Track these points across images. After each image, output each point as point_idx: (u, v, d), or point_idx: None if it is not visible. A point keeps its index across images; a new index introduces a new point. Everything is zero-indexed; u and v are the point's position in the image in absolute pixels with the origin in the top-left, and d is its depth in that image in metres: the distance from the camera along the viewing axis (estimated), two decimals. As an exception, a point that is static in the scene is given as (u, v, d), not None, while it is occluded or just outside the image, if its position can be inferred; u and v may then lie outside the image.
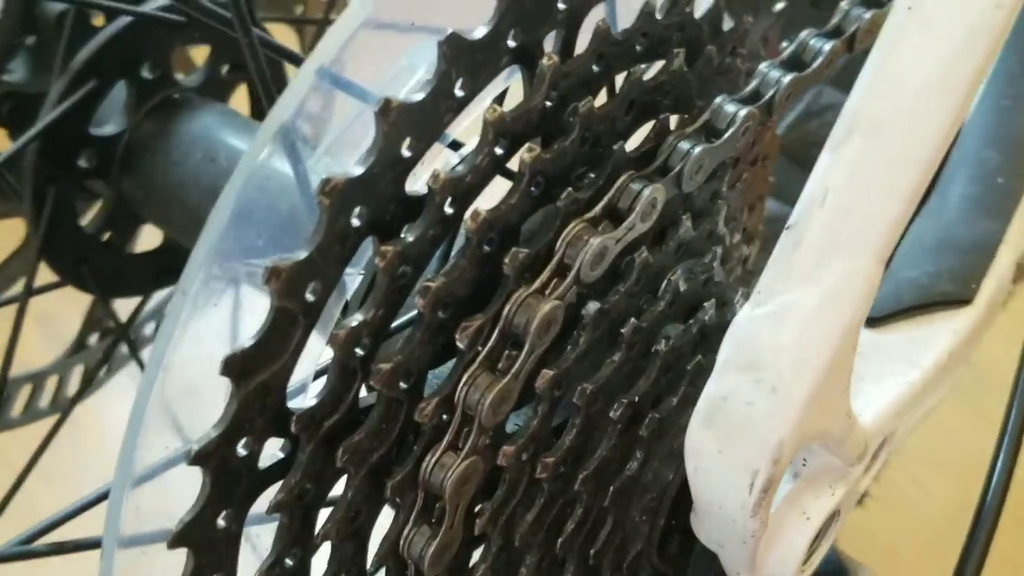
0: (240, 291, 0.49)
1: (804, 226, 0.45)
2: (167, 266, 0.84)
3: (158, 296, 0.95)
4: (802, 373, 0.45)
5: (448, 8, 0.48)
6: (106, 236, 0.80)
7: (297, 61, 0.44)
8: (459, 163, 0.47)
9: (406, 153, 0.45)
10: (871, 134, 0.44)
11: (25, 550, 0.45)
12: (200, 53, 0.83)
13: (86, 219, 0.80)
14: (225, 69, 0.80)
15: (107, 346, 0.93)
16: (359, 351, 0.46)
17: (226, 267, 0.45)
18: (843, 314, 0.45)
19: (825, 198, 0.45)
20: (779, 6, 0.66)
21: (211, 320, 0.45)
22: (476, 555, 0.54)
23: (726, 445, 0.47)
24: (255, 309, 0.44)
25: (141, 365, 0.93)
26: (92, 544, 0.46)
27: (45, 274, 0.80)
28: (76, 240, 0.78)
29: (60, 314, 0.86)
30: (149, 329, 1.01)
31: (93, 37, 0.73)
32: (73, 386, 0.95)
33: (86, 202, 0.79)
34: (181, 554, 0.46)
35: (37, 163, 0.72)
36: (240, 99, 0.84)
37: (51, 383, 0.94)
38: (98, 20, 0.76)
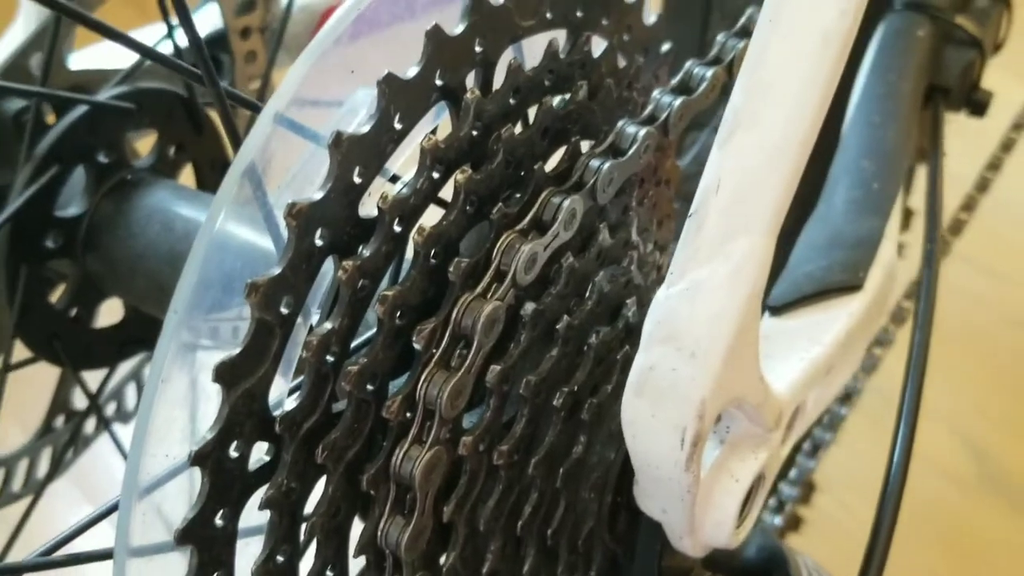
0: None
1: (704, 213, 0.52)
2: (131, 338, 0.90)
3: (122, 371, 1.00)
4: (716, 338, 0.52)
5: (380, 59, 0.55)
6: (74, 312, 0.85)
7: (256, 109, 0.51)
8: (403, 187, 0.54)
9: (357, 180, 0.51)
10: (750, 128, 0.51)
11: (44, 561, 0.50)
12: (145, 144, 0.90)
13: (54, 297, 0.85)
14: (172, 151, 0.87)
15: (77, 419, 0.98)
16: (330, 357, 0.52)
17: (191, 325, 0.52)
18: (745, 284, 0.52)
19: (719, 187, 0.52)
20: (665, 48, 0.74)
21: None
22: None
23: (657, 409, 0.54)
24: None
25: (113, 436, 0.98)
26: (104, 555, 0.51)
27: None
28: (47, 317, 0.83)
29: (22, 398, 0.91)
30: (111, 409, 1.06)
31: (48, 132, 0.80)
32: (43, 468, 0.99)
33: (52, 282, 0.84)
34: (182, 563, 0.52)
35: (9, 246, 0.78)
36: (187, 179, 0.91)
37: (22, 466, 0.98)
38: (50, 119, 0.82)
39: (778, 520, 1.32)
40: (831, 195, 0.80)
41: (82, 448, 1.04)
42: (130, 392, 1.10)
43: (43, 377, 0.96)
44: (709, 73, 0.66)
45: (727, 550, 0.71)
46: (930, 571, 1.72)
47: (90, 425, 1.05)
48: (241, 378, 0.49)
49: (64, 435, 1.00)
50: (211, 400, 0.51)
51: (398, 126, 0.53)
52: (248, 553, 0.54)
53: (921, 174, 1.00)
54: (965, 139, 1.45)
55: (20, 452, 0.98)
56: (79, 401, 1.01)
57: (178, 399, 0.51)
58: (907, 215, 1.14)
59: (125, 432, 1.06)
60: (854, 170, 0.81)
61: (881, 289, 0.74)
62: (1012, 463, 1.94)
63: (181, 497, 0.52)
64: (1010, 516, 1.85)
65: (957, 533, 1.81)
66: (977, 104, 1.03)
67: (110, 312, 0.90)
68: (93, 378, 0.97)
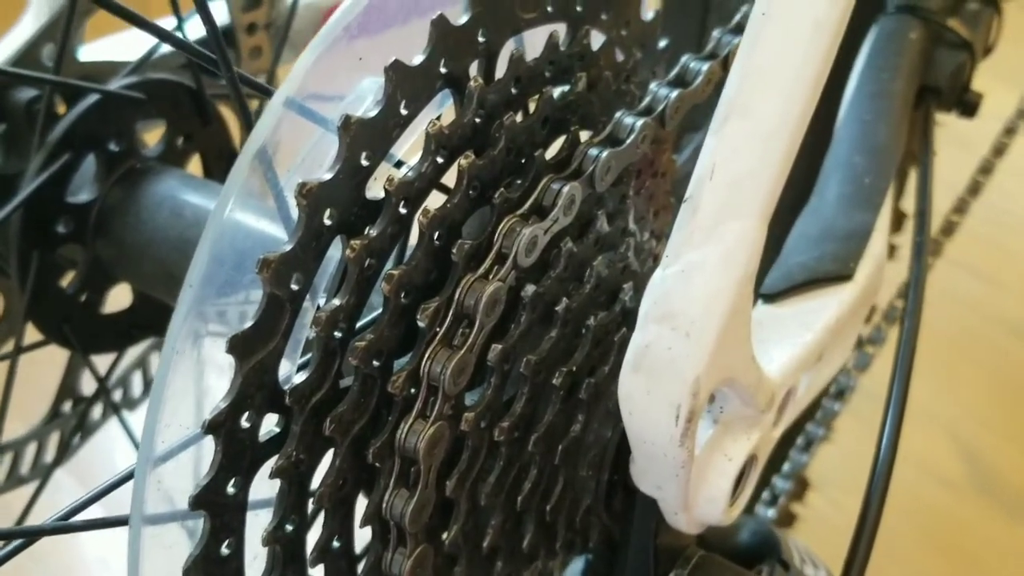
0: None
1: (698, 197, 0.54)
2: (139, 323, 0.92)
3: (128, 359, 1.02)
4: (710, 318, 0.54)
5: (387, 47, 0.57)
6: (84, 297, 0.87)
7: (268, 93, 0.53)
8: (408, 171, 0.56)
9: (364, 162, 0.53)
10: (744, 115, 0.53)
11: (63, 525, 0.52)
12: (153, 137, 0.92)
13: (64, 282, 0.87)
14: (180, 141, 0.89)
15: (85, 404, 1.00)
16: (337, 334, 0.54)
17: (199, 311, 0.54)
18: (738, 266, 0.54)
19: (713, 172, 0.54)
20: (662, 44, 0.76)
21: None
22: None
23: (653, 386, 0.55)
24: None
25: (122, 420, 1.00)
26: (120, 521, 0.53)
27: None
28: (58, 301, 0.85)
29: (29, 383, 0.93)
30: (118, 395, 1.08)
31: (58, 121, 0.82)
32: (50, 453, 1.01)
33: (63, 267, 0.86)
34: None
35: (22, 231, 0.80)
36: (194, 169, 0.93)
37: (30, 450, 1.00)
38: (60, 109, 0.84)
39: (772, 513, 1.34)
40: (823, 189, 0.83)
41: (89, 433, 1.06)
42: (136, 380, 1.12)
43: (47, 366, 0.98)
44: (705, 67, 0.68)
45: (722, 532, 0.73)
46: (922, 574, 1.74)
47: (97, 411, 1.07)
48: (253, 351, 0.51)
49: (71, 420, 1.02)
50: (211, 396, 0.53)
51: (404, 111, 0.55)
52: (257, 524, 0.56)
53: (913, 177, 1.02)
54: (957, 145, 1.47)
55: (28, 436, 1.00)
56: (86, 387, 1.03)
57: (188, 375, 0.53)
58: (899, 218, 1.16)
59: (131, 419, 1.08)
60: (846, 165, 0.83)
61: (871, 280, 0.76)
62: (1005, 466, 1.96)
63: (180, 471, 0.54)
64: (1003, 520, 1.87)
65: (950, 536, 1.83)
66: (967, 105, 1.05)
67: (118, 299, 0.92)
68: (101, 366, 0.99)
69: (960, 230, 1.62)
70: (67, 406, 1.02)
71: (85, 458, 1.12)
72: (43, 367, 0.98)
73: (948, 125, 1.16)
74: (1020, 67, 1.95)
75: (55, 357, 0.97)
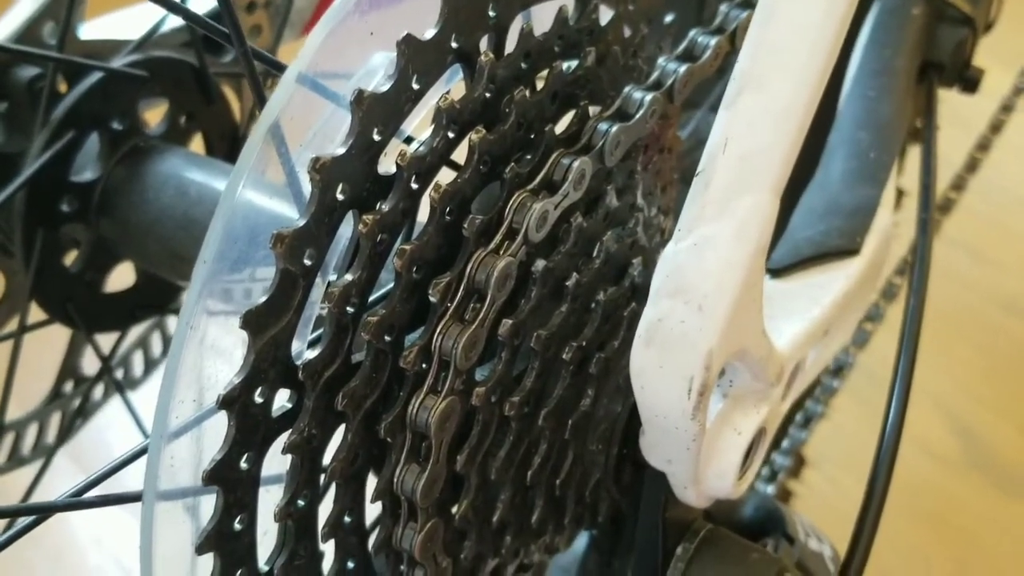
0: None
1: (711, 171, 0.54)
2: (142, 302, 0.92)
3: (130, 338, 1.02)
4: (722, 291, 0.54)
5: (398, 21, 0.57)
6: (87, 276, 0.87)
7: (281, 68, 0.52)
8: (420, 145, 0.56)
9: (376, 138, 0.53)
10: (757, 90, 0.53)
11: (76, 501, 0.52)
12: (155, 116, 0.92)
13: (68, 261, 0.87)
14: (183, 120, 0.89)
15: (88, 384, 1.00)
16: (349, 308, 0.54)
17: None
18: (750, 240, 0.54)
19: (726, 146, 0.54)
20: (668, 18, 0.76)
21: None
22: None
23: (665, 359, 0.56)
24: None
25: (126, 400, 1.00)
26: (134, 497, 0.53)
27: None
28: (62, 280, 0.85)
29: (27, 364, 0.93)
30: (120, 375, 1.08)
31: (61, 100, 0.81)
32: (51, 434, 1.01)
33: (67, 246, 0.86)
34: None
35: (25, 209, 0.80)
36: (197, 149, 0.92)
37: (31, 430, 1.00)
38: (62, 87, 0.84)
39: (770, 489, 1.35)
40: (829, 164, 0.83)
41: (91, 412, 1.06)
42: (137, 359, 1.12)
43: (49, 345, 0.98)
44: (713, 42, 0.68)
45: (728, 506, 0.74)
46: (916, 549, 1.75)
47: (97, 392, 1.06)
48: (266, 326, 0.51)
49: (73, 400, 1.02)
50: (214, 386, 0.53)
51: (415, 86, 0.55)
52: (269, 500, 0.56)
53: (914, 154, 1.02)
54: (955, 123, 1.48)
55: (29, 417, 1.00)
56: (88, 367, 1.03)
57: (198, 353, 0.53)
58: (898, 195, 1.16)
59: (133, 398, 1.08)
60: (851, 141, 0.83)
61: (877, 254, 0.76)
62: (999, 443, 1.97)
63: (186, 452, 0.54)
64: (997, 496, 1.88)
65: (944, 512, 1.84)
66: (969, 81, 1.05)
67: (121, 278, 0.92)
68: (104, 346, 0.99)
69: (956, 207, 1.63)
70: (68, 386, 1.02)
71: (82, 439, 1.12)
72: (42, 347, 0.98)
73: (945, 102, 1.16)
74: (1016, 47, 1.95)
75: (53, 338, 0.97)
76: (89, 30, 0.91)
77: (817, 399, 1.36)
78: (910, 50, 0.96)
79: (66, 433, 1.01)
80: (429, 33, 0.55)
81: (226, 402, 0.51)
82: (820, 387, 1.34)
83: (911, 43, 0.97)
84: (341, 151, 0.52)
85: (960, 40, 1.01)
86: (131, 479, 0.53)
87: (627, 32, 0.71)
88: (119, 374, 1.08)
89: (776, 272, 0.72)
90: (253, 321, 0.50)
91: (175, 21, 0.88)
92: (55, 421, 1.01)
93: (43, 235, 0.81)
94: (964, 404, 2.04)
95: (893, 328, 0.82)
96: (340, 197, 0.53)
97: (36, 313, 0.87)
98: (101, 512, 0.52)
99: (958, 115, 1.41)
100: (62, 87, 0.84)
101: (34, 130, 0.79)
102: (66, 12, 0.81)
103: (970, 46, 1.04)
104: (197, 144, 0.92)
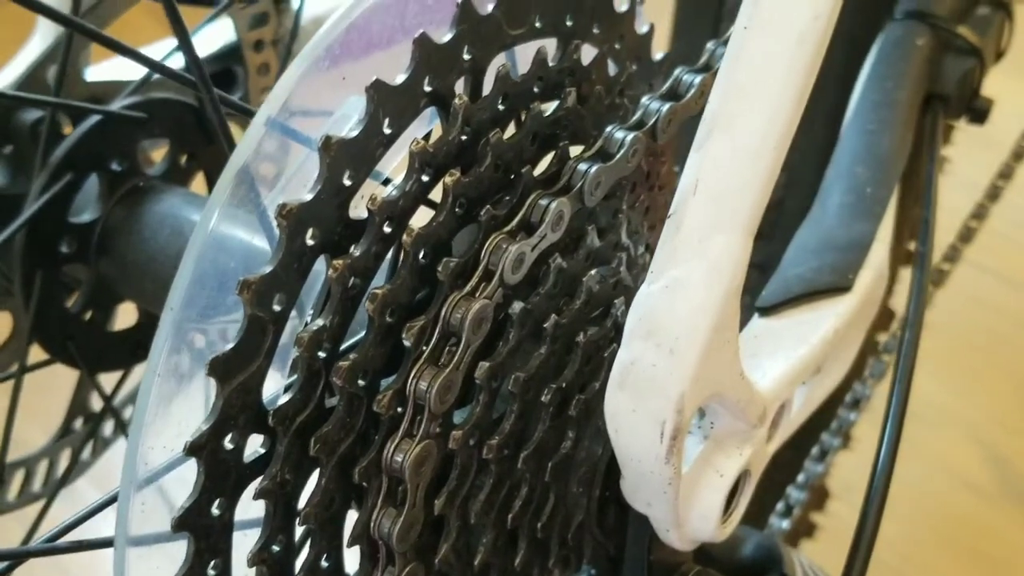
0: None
1: (682, 213, 0.54)
2: (144, 340, 0.93)
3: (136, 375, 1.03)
4: (694, 334, 0.54)
5: (372, 68, 0.57)
6: (88, 315, 0.88)
7: (250, 114, 0.53)
8: (392, 189, 0.56)
9: (347, 182, 0.54)
10: (727, 130, 0.53)
11: (50, 547, 0.53)
12: (161, 154, 0.93)
13: (70, 301, 0.88)
14: (183, 160, 0.90)
15: (93, 422, 1.00)
16: (322, 354, 0.54)
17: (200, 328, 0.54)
18: (722, 281, 0.54)
19: (696, 187, 0.54)
20: (658, 56, 0.76)
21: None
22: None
23: (638, 403, 0.55)
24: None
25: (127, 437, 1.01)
26: (106, 543, 0.53)
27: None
28: (63, 320, 0.86)
29: (39, 401, 0.94)
30: (128, 412, 1.09)
31: (63, 141, 0.83)
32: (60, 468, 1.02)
33: (68, 286, 0.87)
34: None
35: (25, 251, 0.81)
36: (199, 187, 0.93)
37: (42, 467, 1.01)
38: (67, 129, 0.85)
39: (786, 524, 1.33)
40: (824, 200, 0.82)
41: (101, 449, 1.06)
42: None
43: (62, 381, 0.99)
44: (697, 80, 0.68)
45: (723, 546, 0.73)
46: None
47: (109, 428, 1.07)
48: (235, 372, 0.51)
49: (82, 436, 1.03)
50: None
51: (387, 130, 0.55)
52: (246, 545, 0.56)
53: (945, 184, 1.00)
54: (982, 145, 1.46)
55: (40, 453, 1.01)
56: (97, 404, 1.03)
57: (178, 396, 0.54)
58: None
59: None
60: (848, 175, 0.83)
61: (871, 291, 0.75)
62: (1034, 472, 1.94)
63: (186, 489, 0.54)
64: (1033, 526, 1.85)
65: (980, 543, 1.81)
66: (977, 112, 1.04)
67: (125, 317, 0.93)
68: (110, 385, 0.99)
69: (982, 232, 1.60)
70: (78, 423, 1.03)
71: (104, 469, 1.12)
72: (65, 380, 0.99)
73: (968, 131, 1.15)
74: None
75: (72, 372, 0.98)
76: (96, 72, 0.92)
77: (834, 432, 1.35)
78: (913, 82, 0.95)
79: (72, 469, 1.02)
80: (400, 77, 0.56)
81: (194, 449, 0.51)
82: (837, 420, 1.33)
83: (915, 75, 0.96)
84: (309, 197, 0.52)
85: (967, 71, 1.00)
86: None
87: (613, 71, 0.71)
88: (128, 411, 1.09)
89: (764, 310, 0.72)
90: (220, 367, 0.51)
91: (175, 63, 0.89)
92: (65, 457, 1.02)
93: (43, 275, 0.82)
94: (997, 433, 2.02)
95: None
96: (311, 242, 0.53)
97: (40, 352, 0.88)
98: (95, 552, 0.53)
99: (985, 137, 1.39)
100: (67, 129, 0.85)
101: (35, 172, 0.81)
102: (62, 56, 0.82)
103: (978, 76, 1.03)
104: (199, 184, 0.93)
